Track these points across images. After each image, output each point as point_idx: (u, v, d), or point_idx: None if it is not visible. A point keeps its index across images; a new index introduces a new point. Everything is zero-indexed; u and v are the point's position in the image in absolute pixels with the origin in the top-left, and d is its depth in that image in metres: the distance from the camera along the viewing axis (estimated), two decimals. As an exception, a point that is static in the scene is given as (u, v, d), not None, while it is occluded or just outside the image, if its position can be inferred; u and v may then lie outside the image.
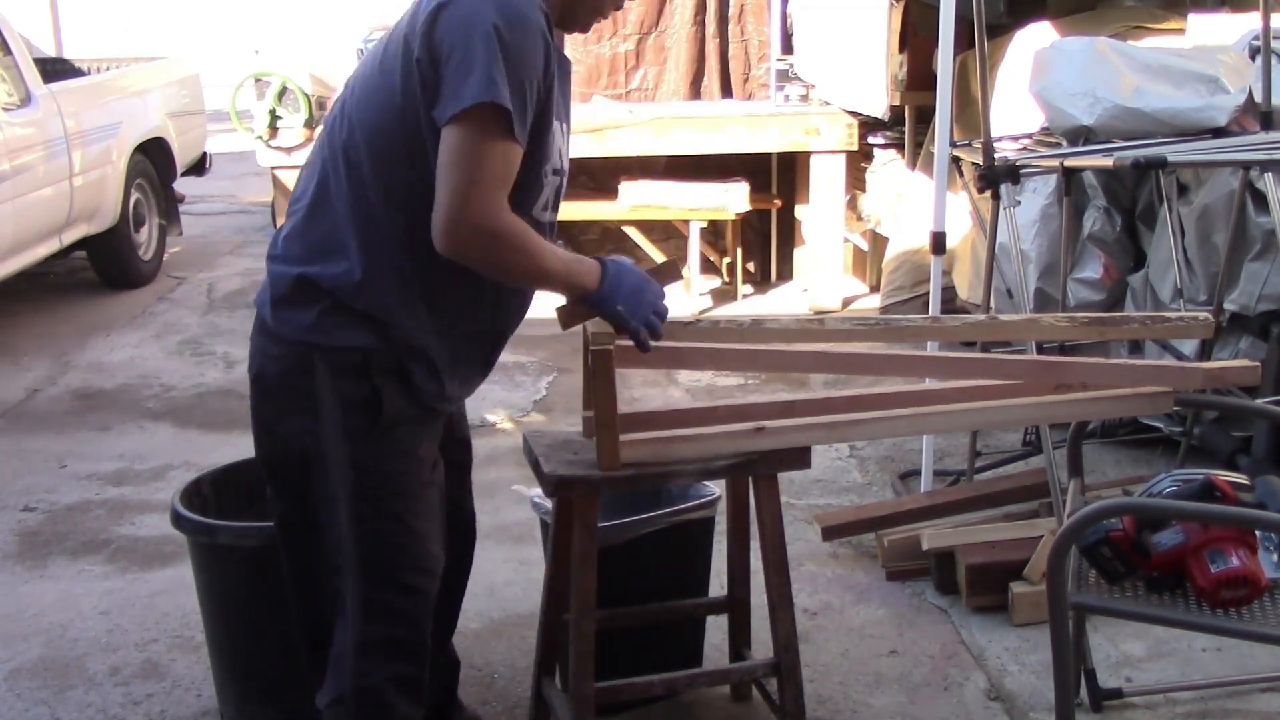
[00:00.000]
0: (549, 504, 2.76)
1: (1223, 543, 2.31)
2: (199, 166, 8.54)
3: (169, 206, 7.84)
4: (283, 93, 6.65)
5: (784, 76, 7.18)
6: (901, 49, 6.11)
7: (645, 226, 7.01)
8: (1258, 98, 3.94)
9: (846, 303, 6.85)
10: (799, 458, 2.62)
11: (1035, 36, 4.95)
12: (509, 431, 4.89)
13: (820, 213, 6.81)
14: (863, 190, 6.85)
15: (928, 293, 4.21)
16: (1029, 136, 4.28)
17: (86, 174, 6.73)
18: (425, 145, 2.13)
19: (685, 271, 6.91)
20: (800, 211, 7.15)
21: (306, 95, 6.54)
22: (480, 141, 2.07)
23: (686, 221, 6.87)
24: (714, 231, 7.36)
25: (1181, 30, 4.88)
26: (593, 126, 6.67)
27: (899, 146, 6.57)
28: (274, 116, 6.63)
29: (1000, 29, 5.36)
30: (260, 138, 6.67)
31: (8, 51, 6.47)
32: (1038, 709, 2.98)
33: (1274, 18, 3.88)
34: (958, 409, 2.63)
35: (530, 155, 2.16)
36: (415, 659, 2.39)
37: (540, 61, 2.12)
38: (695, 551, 3.07)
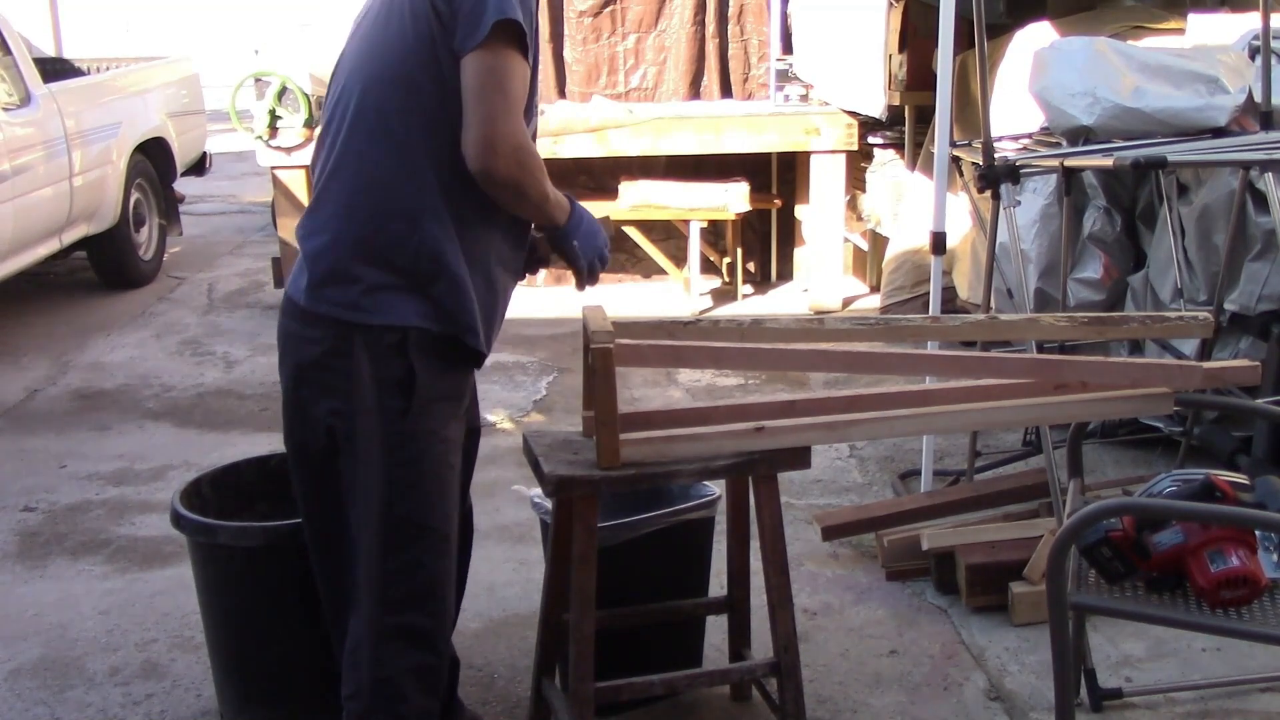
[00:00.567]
0: (549, 504, 2.76)
1: (1222, 543, 2.31)
2: (199, 166, 8.55)
3: (169, 206, 7.85)
4: (283, 93, 6.64)
5: (784, 76, 7.17)
6: (901, 49, 6.11)
7: (645, 226, 7.01)
8: (1258, 98, 3.94)
9: (846, 303, 6.85)
10: (799, 458, 2.62)
11: (1035, 36, 4.94)
12: (509, 431, 4.89)
13: (820, 213, 6.81)
14: (863, 190, 6.85)
15: (928, 293, 4.21)
16: (1029, 136, 4.28)
17: (86, 174, 6.74)
18: (453, 80, 2.21)
19: (685, 271, 6.91)
20: (800, 211, 7.15)
21: (306, 95, 6.53)
22: (506, 64, 2.19)
23: (686, 221, 6.87)
24: (714, 231, 7.35)
25: (1181, 30, 4.88)
26: (592, 126, 6.66)
27: (898, 147, 6.57)
28: (274, 116, 6.62)
29: (1000, 29, 5.36)
30: (260, 138, 6.66)
31: (8, 51, 6.47)
32: (1038, 709, 2.98)
33: (1274, 18, 3.88)
34: (958, 409, 2.63)
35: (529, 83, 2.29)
36: (433, 648, 2.41)
37: None
38: (695, 551, 3.07)
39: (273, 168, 6.78)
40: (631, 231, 7.07)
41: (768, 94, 7.23)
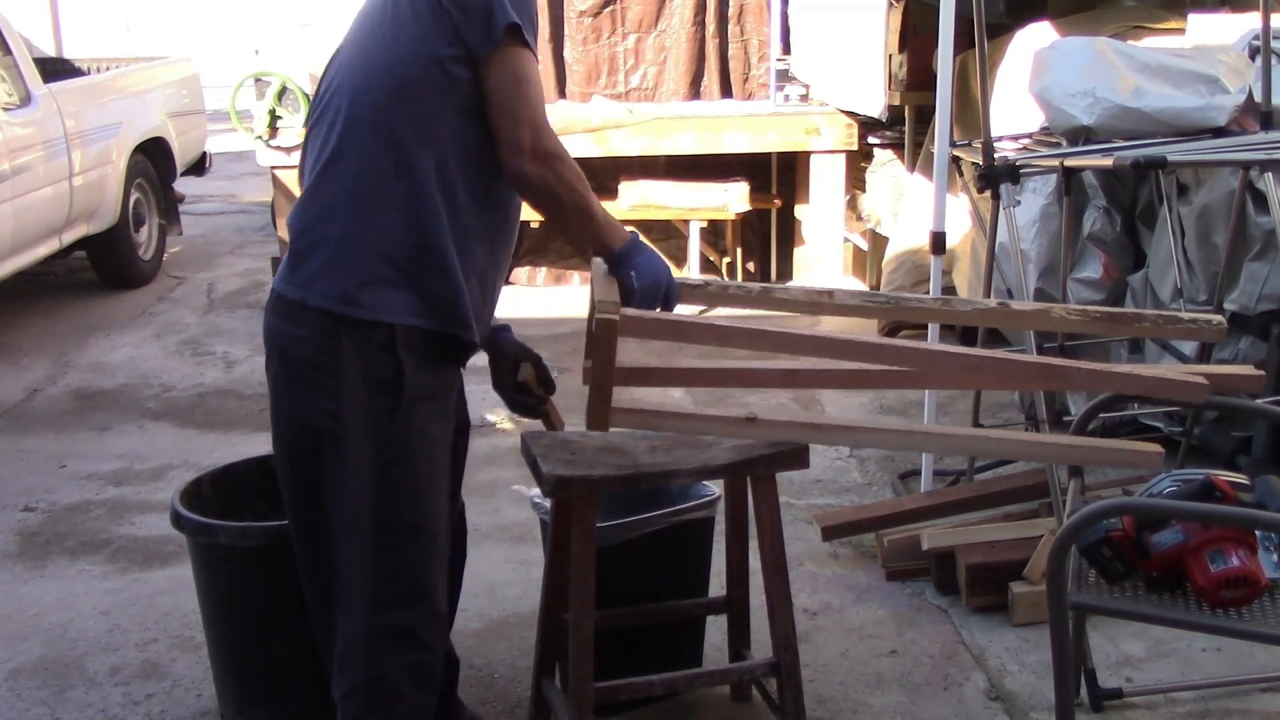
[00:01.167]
0: (548, 504, 2.76)
1: (1223, 543, 2.31)
2: (199, 166, 8.55)
3: (169, 206, 7.85)
4: (283, 93, 6.64)
5: (784, 76, 7.18)
6: (901, 49, 6.10)
7: (645, 226, 7.01)
8: (1258, 98, 3.94)
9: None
10: (798, 458, 2.62)
11: (1035, 36, 4.94)
12: (509, 431, 4.89)
13: (820, 213, 6.82)
14: (863, 190, 6.85)
15: (928, 292, 4.21)
16: (1029, 136, 4.28)
17: (86, 174, 6.73)
18: (450, 80, 2.24)
19: (685, 271, 6.91)
20: (800, 211, 7.15)
21: (306, 95, 6.53)
22: (523, 66, 2.25)
23: (686, 221, 6.87)
24: (714, 231, 7.36)
25: (1181, 30, 4.88)
26: (592, 126, 6.66)
27: (896, 147, 6.57)
28: (274, 116, 6.63)
29: (1000, 29, 5.35)
30: (260, 138, 6.67)
31: (8, 51, 6.47)
32: (1038, 709, 2.98)
33: (1274, 18, 3.88)
34: (958, 434, 2.63)
35: None
36: (426, 646, 2.40)
37: None
38: (695, 551, 3.07)
39: (273, 168, 6.78)
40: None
41: (768, 94, 7.24)
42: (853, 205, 6.97)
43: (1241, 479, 2.43)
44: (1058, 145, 4.04)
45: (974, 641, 3.30)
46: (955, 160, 4.03)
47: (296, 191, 6.99)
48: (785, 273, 7.46)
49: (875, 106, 6.27)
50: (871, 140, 6.73)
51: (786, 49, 7.26)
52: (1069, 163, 3.71)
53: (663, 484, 2.86)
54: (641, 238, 2.46)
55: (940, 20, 3.79)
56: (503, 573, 3.71)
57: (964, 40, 4.21)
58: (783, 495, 2.65)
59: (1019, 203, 3.80)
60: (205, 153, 8.59)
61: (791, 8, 7.19)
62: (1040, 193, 4.58)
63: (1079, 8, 5.48)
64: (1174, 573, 2.36)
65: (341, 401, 2.30)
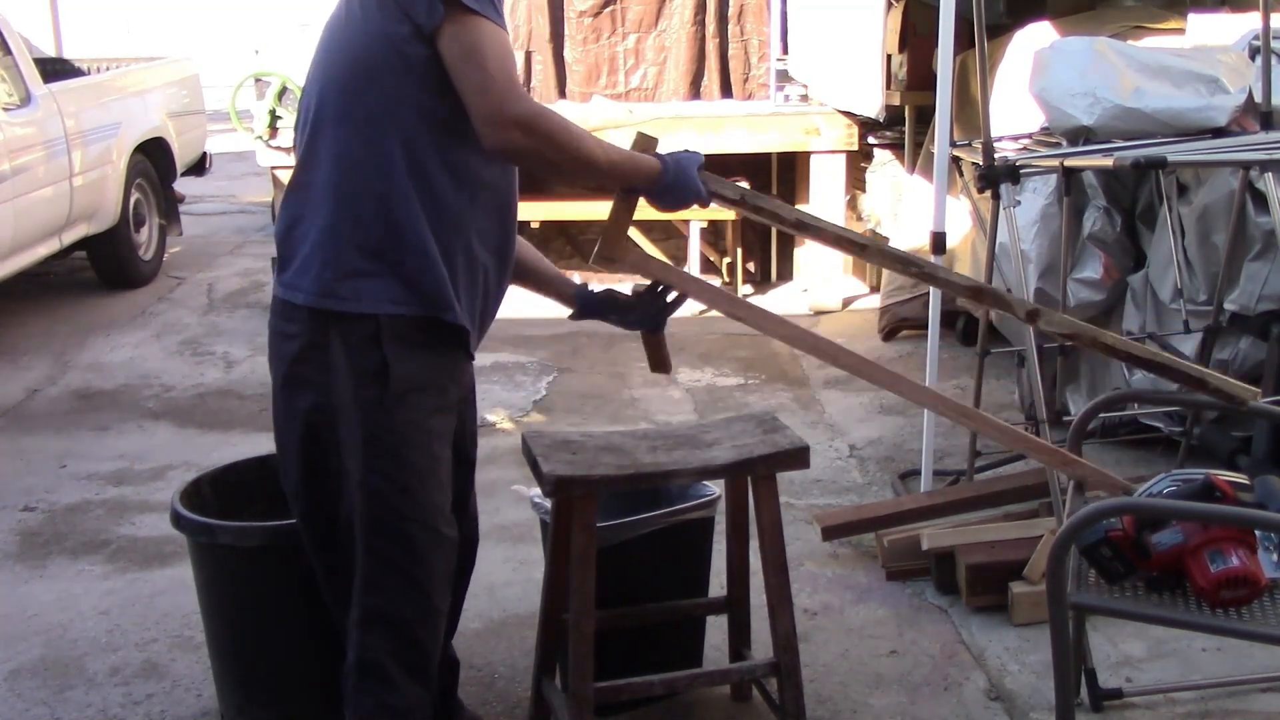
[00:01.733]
0: (549, 504, 2.76)
1: (1222, 543, 2.30)
2: (199, 166, 8.54)
3: (169, 206, 7.85)
4: (283, 93, 6.65)
5: (784, 76, 7.18)
6: (901, 49, 6.11)
7: (645, 226, 7.01)
8: (1258, 98, 3.94)
9: (846, 303, 6.85)
10: (799, 458, 2.62)
11: (1035, 36, 4.94)
12: (509, 431, 4.89)
13: (820, 213, 6.79)
14: (863, 190, 6.85)
15: (928, 293, 4.21)
16: (1029, 136, 4.28)
17: (86, 174, 6.73)
18: (405, 59, 2.21)
19: (685, 270, 6.91)
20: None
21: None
22: (474, 36, 2.16)
23: (686, 221, 6.87)
24: (714, 231, 7.36)
25: (1181, 30, 4.88)
26: (592, 126, 6.65)
27: (895, 148, 6.57)
28: (274, 116, 6.64)
29: (1000, 29, 5.36)
30: (260, 138, 6.67)
31: (8, 51, 6.47)
32: (1038, 709, 2.98)
33: (1274, 18, 3.88)
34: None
35: None
36: (412, 638, 2.41)
37: None
38: (695, 551, 3.06)
39: (273, 168, 6.79)
40: (631, 231, 7.06)
41: (768, 94, 7.24)
42: (853, 205, 6.97)
43: (1241, 479, 2.43)
44: (1058, 145, 4.04)
45: (974, 641, 3.30)
46: (955, 160, 4.03)
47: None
48: (785, 273, 7.46)
49: (872, 107, 6.28)
50: (871, 140, 6.73)
51: (786, 49, 7.26)
52: (1069, 163, 3.71)
53: (663, 484, 2.87)
54: (669, 158, 2.45)
55: (940, 20, 3.80)
56: (503, 573, 3.71)
57: (964, 40, 4.21)
58: (783, 495, 2.64)
59: (1019, 203, 3.80)
60: (205, 153, 8.59)
61: (790, 7, 7.19)
62: (1040, 193, 4.58)
63: (1079, 8, 5.48)
64: (1174, 573, 2.36)
65: (332, 395, 2.32)
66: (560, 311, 2.75)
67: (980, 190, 3.80)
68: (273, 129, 6.65)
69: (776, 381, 5.49)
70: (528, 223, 6.74)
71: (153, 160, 7.61)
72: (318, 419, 2.35)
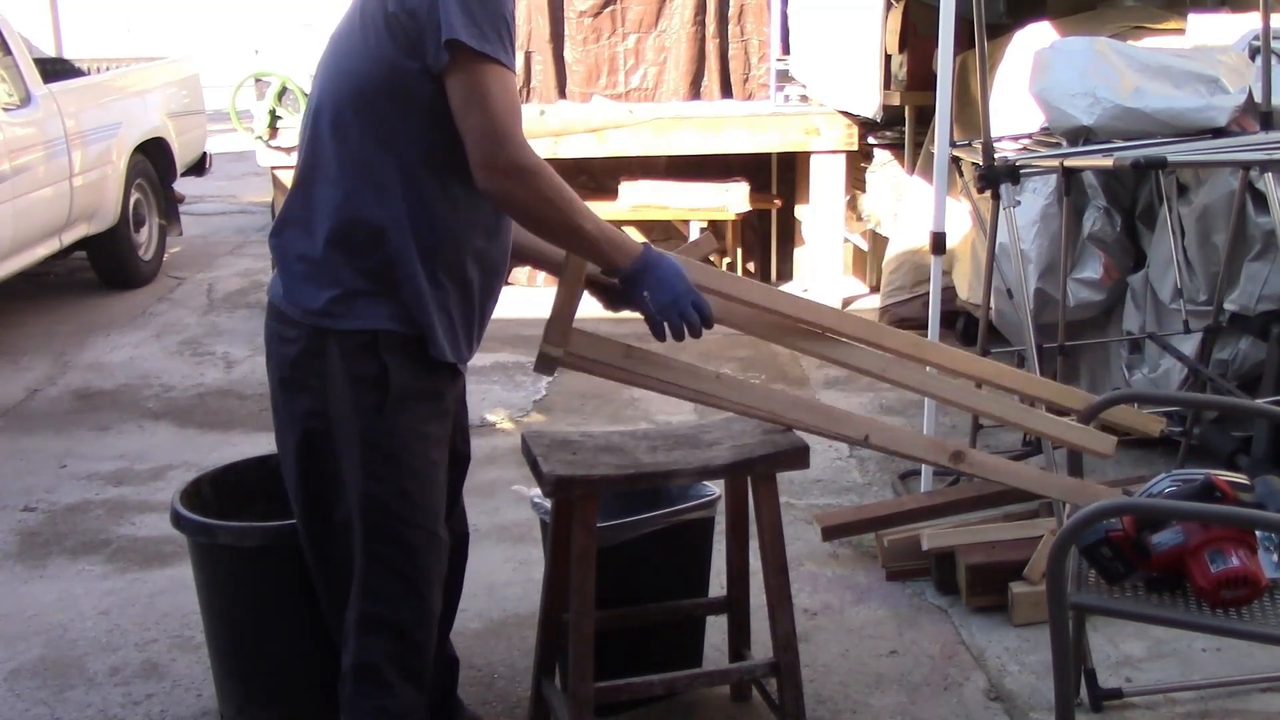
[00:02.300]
0: (548, 504, 2.76)
1: (1223, 543, 2.30)
2: (199, 166, 8.55)
3: (169, 206, 7.85)
4: (283, 93, 6.65)
5: (784, 76, 7.18)
6: (901, 49, 6.11)
7: (645, 226, 7.01)
8: (1258, 98, 3.94)
9: (846, 303, 6.84)
10: (798, 458, 2.62)
11: (1035, 36, 4.95)
12: (509, 431, 4.89)
13: (820, 213, 6.81)
14: (863, 190, 6.85)
15: (927, 292, 4.21)
16: (1029, 136, 4.28)
17: (86, 174, 6.73)
18: (410, 93, 2.20)
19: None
20: (800, 211, 7.15)
21: (306, 95, 6.53)
22: (478, 81, 2.14)
23: (686, 221, 6.86)
24: (714, 232, 7.34)
25: (1181, 30, 4.88)
26: (593, 126, 6.66)
27: (894, 148, 6.57)
28: (274, 116, 6.63)
29: (1000, 29, 5.36)
30: (260, 138, 6.67)
31: (8, 51, 6.47)
32: (1038, 709, 2.98)
33: (1274, 18, 3.88)
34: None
35: None
36: (411, 642, 2.41)
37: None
38: (695, 551, 3.06)
39: (273, 168, 6.78)
40: (631, 232, 7.06)
41: (768, 94, 7.24)
42: (853, 205, 6.97)
43: (1241, 479, 2.43)
44: (1058, 145, 4.04)
45: (974, 641, 3.30)
46: (955, 160, 4.03)
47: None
48: (785, 273, 7.46)
49: (872, 107, 6.28)
50: (871, 140, 6.73)
51: (786, 49, 7.26)
52: (1069, 163, 3.71)
53: (663, 484, 2.87)
54: (656, 250, 2.33)
55: (940, 20, 3.80)
56: (503, 573, 3.71)
57: (964, 40, 4.21)
58: (783, 495, 2.64)
59: (1019, 203, 3.80)
60: (205, 153, 8.59)
61: (790, 7, 7.19)
62: (1040, 193, 4.58)
63: (1079, 8, 5.48)
64: (1174, 573, 2.36)
65: (328, 401, 2.32)
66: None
67: (980, 190, 3.80)
68: (273, 129, 6.64)
69: (776, 381, 5.49)
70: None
71: (153, 160, 7.60)
72: (314, 424, 2.36)
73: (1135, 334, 4.44)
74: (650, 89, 7.47)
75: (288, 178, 6.66)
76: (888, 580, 3.64)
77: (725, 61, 7.44)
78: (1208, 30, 4.70)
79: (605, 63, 7.42)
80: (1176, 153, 3.58)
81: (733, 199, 6.75)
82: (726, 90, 7.44)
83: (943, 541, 3.56)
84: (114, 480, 4.55)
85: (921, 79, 5.77)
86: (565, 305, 2.33)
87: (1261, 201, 3.87)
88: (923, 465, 4.07)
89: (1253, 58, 4.20)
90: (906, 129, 6.37)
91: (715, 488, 2.97)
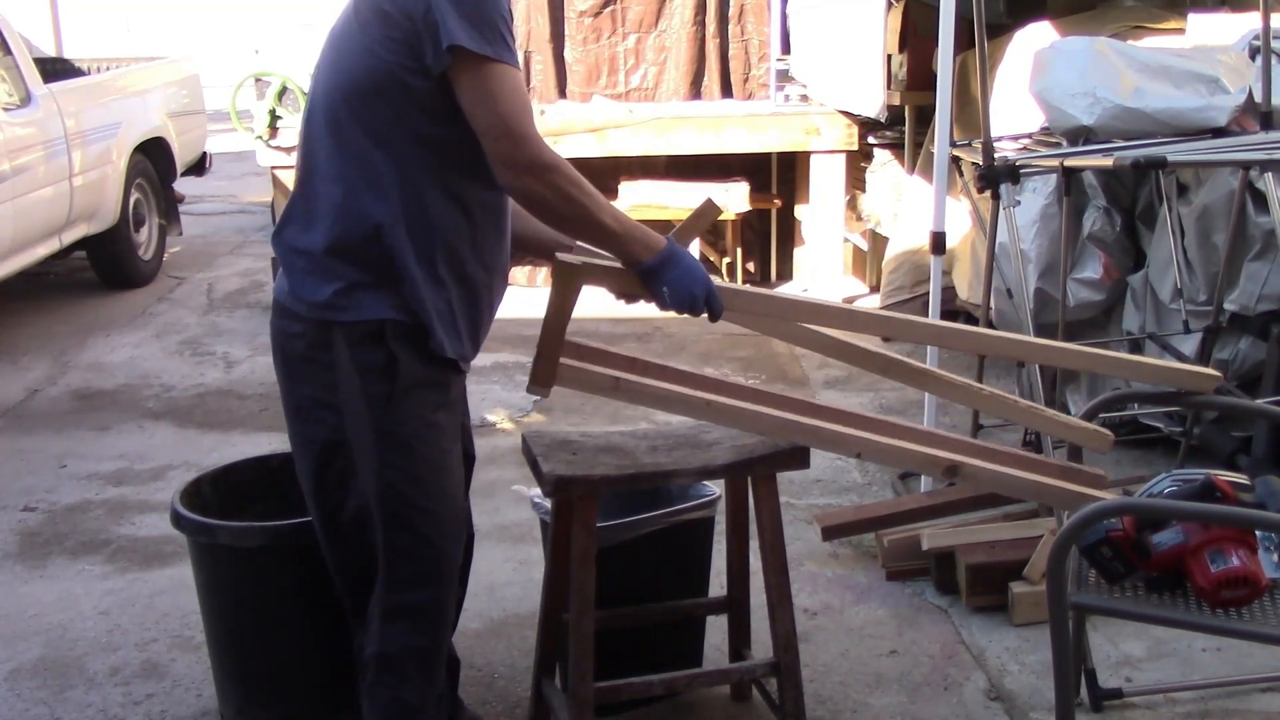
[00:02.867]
0: (549, 504, 2.76)
1: (1223, 543, 2.30)
2: (199, 166, 8.55)
3: (169, 206, 7.85)
4: (283, 93, 6.65)
5: (784, 76, 7.18)
6: (901, 49, 6.10)
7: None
8: (1258, 98, 3.94)
9: (846, 303, 6.84)
10: (799, 458, 2.62)
11: (1035, 36, 4.94)
12: (509, 431, 4.89)
13: (820, 213, 6.82)
14: (863, 190, 6.85)
15: (927, 292, 4.21)
16: (1029, 136, 4.28)
17: (86, 174, 6.73)
18: (405, 91, 2.21)
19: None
20: (800, 211, 7.15)
21: (306, 95, 6.54)
22: (484, 82, 2.15)
23: (686, 221, 6.85)
24: (714, 231, 7.35)
25: (1181, 30, 4.88)
26: (593, 126, 6.66)
27: (894, 148, 6.57)
28: (274, 116, 6.63)
29: (1000, 29, 5.36)
30: (260, 138, 6.67)
31: (8, 51, 6.47)
32: (1038, 709, 2.98)
33: (1274, 18, 3.88)
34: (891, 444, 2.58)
35: None
36: (433, 631, 2.43)
37: None
38: (695, 551, 3.06)
39: (273, 168, 6.78)
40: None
41: (768, 94, 7.24)
42: (853, 205, 6.97)
43: (1241, 479, 2.43)
44: (1058, 145, 4.04)
45: (974, 641, 3.30)
46: (955, 160, 4.03)
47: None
48: (785, 273, 7.46)
49: (872, 107, 6.28)
50: (871, 140, 6.73)
51: (787, 49, 7.27)
52: (1069, 163, 3.71)
53: (663, 484, 2.87)
54: (677, 244, 2.34)
55: (940, 20, 3.79)
56: (503, 573, 3.71)
57: (964, 40, 4.21)
58: (783, 495, 2.64)
59: (1019, 203, 3.80)
60: (205, 153, 8.60)
61: (790, 7, 7.19)
62: (1040, 193, 4.58)
63: (1079, 8, 5.48)
64: (1174, 573, 2.36)
65: (338, 393, 2.33)
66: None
67: (980, 190, 3.80)
68: (273, 129, 6.64)
69: (776, 381, 5.49)
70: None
71: (153, 160, 7.61)
72: (327, 416, 2.36)
73: (1135, 334, 4.44)
74: (650, 89, 7.47)
75: (288, 178, 6.67)
76: (888, 580, 3.64)
77: (725, 61, 7.45)
78: (1208, 30, 4.69)
79: (605, 62, 7.43)
80: (1176, 153, 3.58)
81: (733, 199, 6.75)
82: (726, 90, 7.45)
83: (943, 541, 3.56)
84: (114, 480, 4.55)
85: (921, 79, 5.77)
86: (551, 343, 2.33)
87: (1261, 201, 3.87)
88: (923, 465, 4.08)
89: (1253, 58, 4.20)
90: (906, 129, 6.36)
91: (715, 488, 2.97)
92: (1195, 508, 2.34)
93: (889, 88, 6.22)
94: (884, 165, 6.64)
